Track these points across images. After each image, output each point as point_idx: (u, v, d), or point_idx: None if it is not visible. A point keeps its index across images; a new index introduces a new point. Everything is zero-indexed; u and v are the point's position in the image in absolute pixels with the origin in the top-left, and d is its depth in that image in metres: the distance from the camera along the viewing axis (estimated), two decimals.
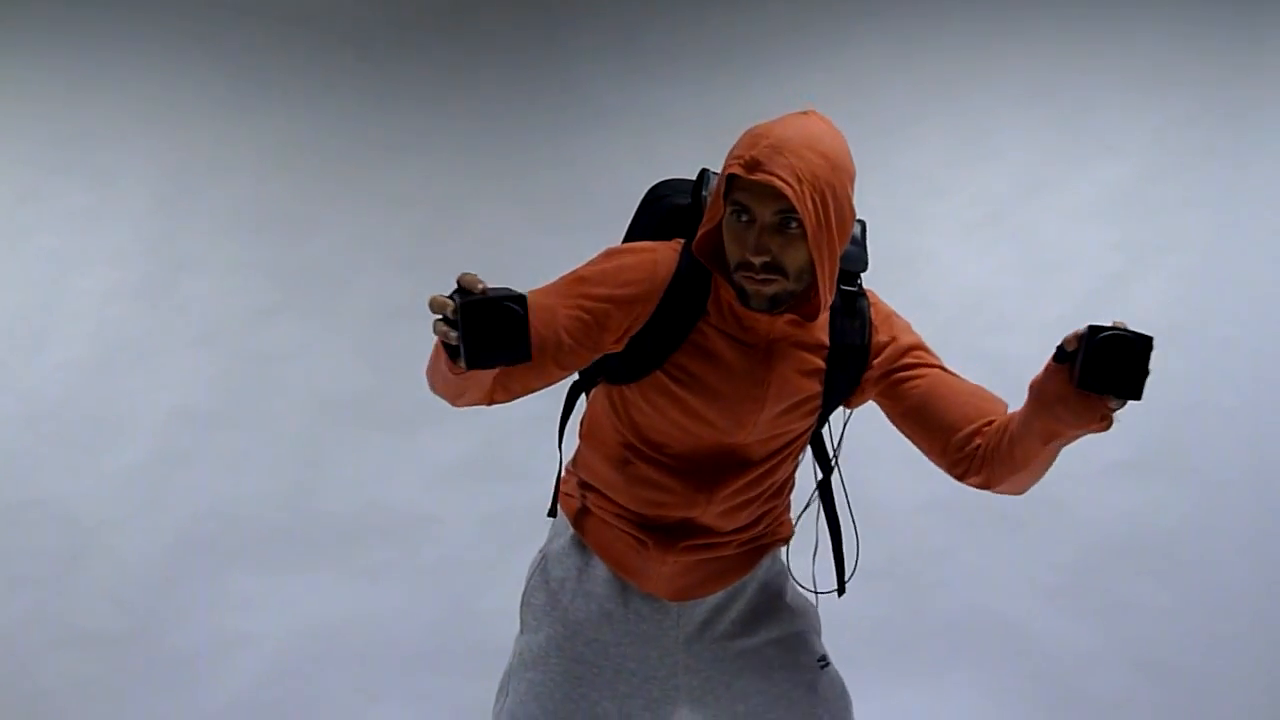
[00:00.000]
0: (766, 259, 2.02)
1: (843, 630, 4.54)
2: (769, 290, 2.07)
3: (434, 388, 2.09)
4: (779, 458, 2.33)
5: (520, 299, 1.71)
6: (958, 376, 2.31)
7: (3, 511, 4.47)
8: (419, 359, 4.81)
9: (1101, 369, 1.86)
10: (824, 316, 2.19)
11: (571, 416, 2.51)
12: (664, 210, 2.34)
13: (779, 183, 1.96)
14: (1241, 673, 4.22)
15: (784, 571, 2.55)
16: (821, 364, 2.24)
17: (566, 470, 2.49)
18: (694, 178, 2.36)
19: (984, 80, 4.84)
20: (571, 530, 2.42)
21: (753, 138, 2.03)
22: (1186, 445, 4.47)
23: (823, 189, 1.99)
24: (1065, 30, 4.77)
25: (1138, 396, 1.88)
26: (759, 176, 1.98)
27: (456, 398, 2.05)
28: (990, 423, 2.19)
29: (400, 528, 4.50)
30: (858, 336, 2.26)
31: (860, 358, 2.27)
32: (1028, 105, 4.79)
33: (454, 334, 1.70)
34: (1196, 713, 4.17)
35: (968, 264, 4.72)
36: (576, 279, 2.13)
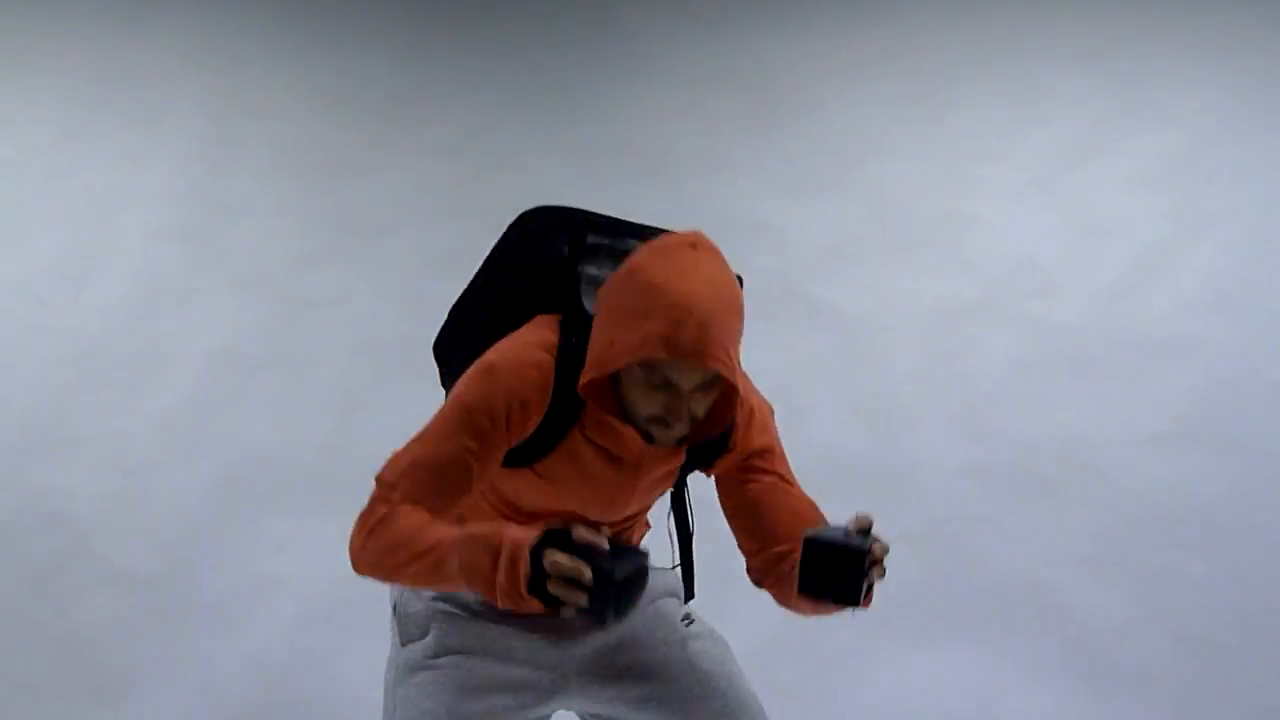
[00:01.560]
0: (687, 421, 2.02)
1: (879, 593, 4.54)
2: (678, 435, 2.05)
3: (376, 571, 2.08)
4: (641, 514, 2.40)
5: (641, 553, 1.75)
6: (792, 487, 2.31)
7: (43, 450, 4.49)
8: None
9: (818, 578, 1.89)
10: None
11: None
12: (540, 265, 2.22)
13: (719, 366, 1.93)
14: (1278, 647, 4.19)
15: None
16: (681, 459, 2.24)
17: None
18: (556, 208, 2.32)
19: (1035, 44, 4.79)
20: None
21: (672, 312, 1.92)
22: (1229, 417, 4.42)
23: (738, 343, 2.00)
24: None
25: (855, 604, 1.91)
26: (694, 363, 1.92)
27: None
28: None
29: None
30: (723, 436, 2.24)
31: (718, 449, 2.26)
32: (1080, 70, 4.74)
33: (583, 599, 1.70)
34: (1231, 685, 4.15)
35: (1015, 228, 4.68)
36: (464, 413, 2.07)
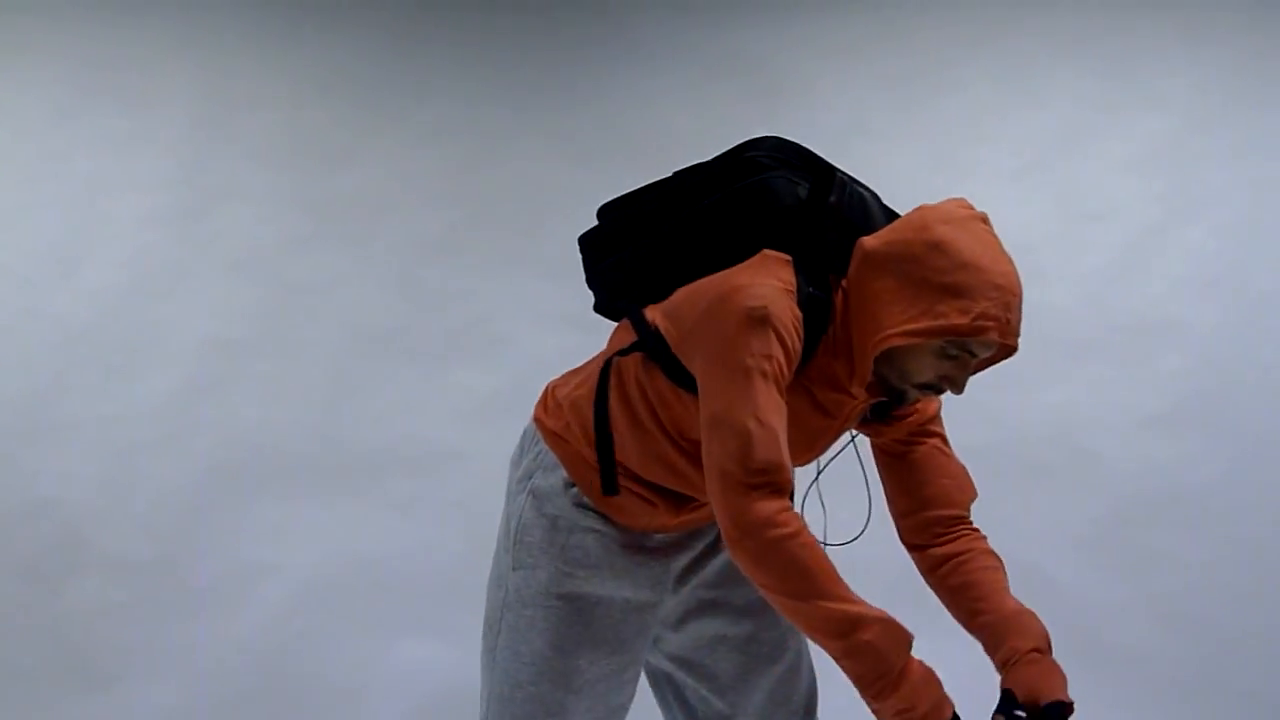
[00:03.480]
0: (948, 391, 2.08)
1: (869, 575, 4.55)
2: (913, 405, 2.15)
3: (765, 575, 1.92)
4: None
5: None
6: (950, 453, 2.36)
7: (33, 435, 4.48)
8: (452, 293, 4.83)
9: None
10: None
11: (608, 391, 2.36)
12: (779, 201, 2.14)
13: (1017, 345, 2.05)
14: (1268, 630, 4.20)
15: None
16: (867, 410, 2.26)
17: (551, 404, 2.39)
18: (785, 140, 2.26)
19: (1028, 27, 4.79)
20: (563, 471, 2.32)
21: (1002, 294, 1.97)
22: (1221, 400, 4.43)
23: None
24: None
25: None
26: (1013, 342, 2.03)
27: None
28: (957, 523, 2.32)
29: (429, 461, 4.50)
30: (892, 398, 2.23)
31: (888, 409, 2.28)
32: (1071, 53, 4.74)
33: None
34: (1222, 668, 4.16)
35: (1007, 211, 4.64)
36: (763, 374, 1.93)
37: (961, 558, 2.26)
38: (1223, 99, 4.65)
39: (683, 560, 2.37)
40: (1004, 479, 4.39)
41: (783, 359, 1.95)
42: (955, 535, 2.29)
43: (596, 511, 2.28)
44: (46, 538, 4.38)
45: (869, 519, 2.48)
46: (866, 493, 2.47)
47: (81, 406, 4.52)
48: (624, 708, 2.39)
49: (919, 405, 2.30)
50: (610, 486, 2.24)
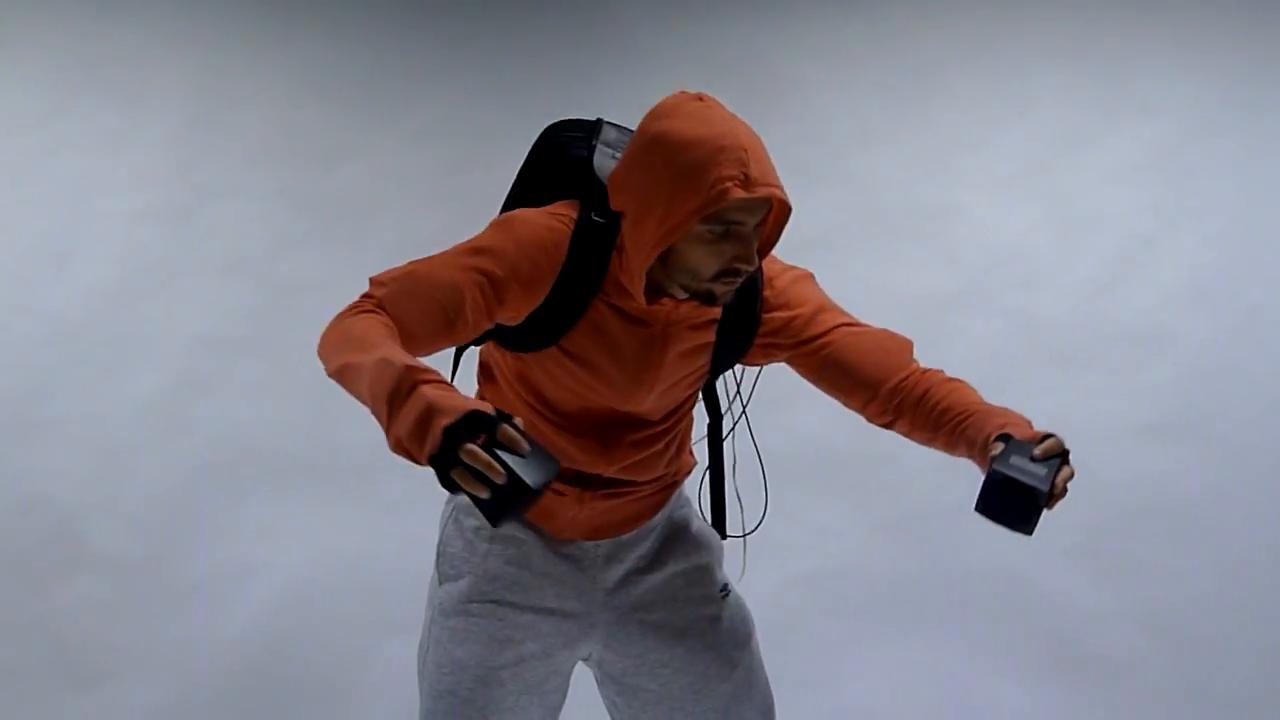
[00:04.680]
0: (749, 265, 2.02)
1: (855, 582, 4.57)
2: (731, 295, 2.09)
3: (324, 359, 1.97)
4: (674, 417, 2.36)
5: (555, 461, 1.61)
6: (860, 326, 2.32)
7: (23, 431, 4.48)
8: None
9: (997, 506, 1.94)
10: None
11: (460, 372, 2.50)
12: (565, 163, 2.24)
13: (780, 193, 1.97)
14: (1254, 640, 4.21)
15: (689, 503, 2.58)
16: (711, 339, 2.24)
17: None
18: (587, 120, 2.32)
19: (1021, 34, 4.80)
20: None
21: (730, 153, 1.94)
22: (1211, 411, 4.44)
23: None
24: None
25: (1028, 533, 1.97)
26: (763, 191, 1.94)
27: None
28: (907, 377, 2.27)
29: None
30: (749, 310, 2.25)
31: (749, 328, 2.27)
32: (1065, 61, 4.75)
33: (485, 494, 1.55)
34: (1206, 677, 4.17)
35: (999, 219, 4.69)
36: (474, 250, 2.04)
37: (925, 400, 2.23)
38: (1216, 109, 4.66)
39: (613, 574, 2.39)
40: None
41: (507, 252, 2.03)
42: (910, 388, 2.26)
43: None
44: (36, 534, 4.37)
45: (765, 508, 2.51)
46: (763, 482, 2.51)
47: (72, 403, 4.51)
48: (551, 716, 2.41)
49: (791, 308, 2.28)
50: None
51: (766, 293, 2.27)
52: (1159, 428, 4.43)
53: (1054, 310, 4.59)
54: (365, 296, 1.99)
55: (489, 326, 2.08)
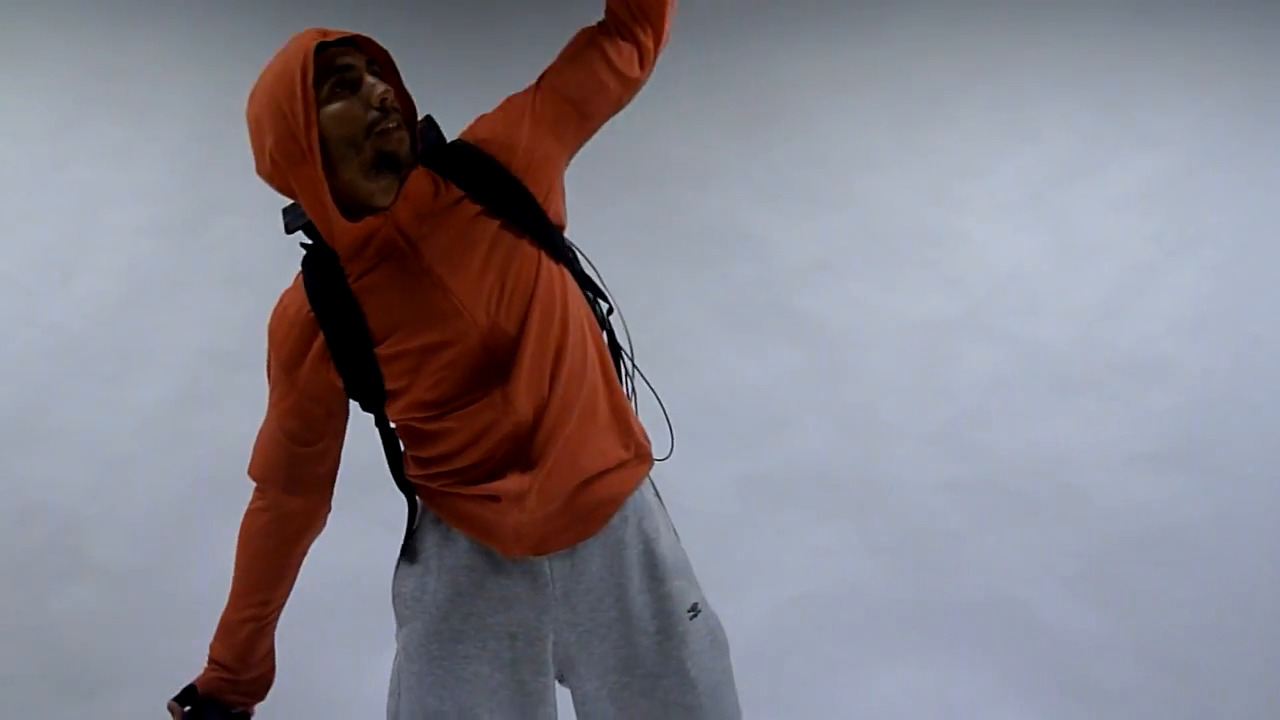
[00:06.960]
0: (387, 95, 2.05)
1: (853, 605, 4.57)
2: (405, 143, 2.10)
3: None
4: (552, 327, 2.16)
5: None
6: (556, 63, 2.43)
7: (25, 441, 4.48)
8: None
9: None
10: (432, 186, 2.17)
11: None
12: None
13: (351, 31, 2.06)
14: (1253, 670, 4.21)
15: (654, 514, 2.34)
16: (476, 206, 2.16)
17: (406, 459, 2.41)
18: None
19: (1025, 63, 4.82)
20: (428, 511, 2.35)
21: (286, 53, 2.05)
22: (1211, 440, 4.45)
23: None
24: (1109, 16, 4.75)
25: None
26: (335, 34, 2.04)
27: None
28: (603, 24, 2.37)
29: None
30: (479, 165, 2.22)
31: (497, 174, 2.22)
32: (1068, 90, 4.77)
33: None
34: (1204, 707, 4.16)
35: (1000, 246, 4.71)
36: (270, 392, 2.25)
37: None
38: (1219, 139, 4.68)
39: (559, 580, 2.23)
40: (992, 514, 4.42)
41: (271, 367, 2.28)
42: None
43: (461, 541, 2.26)
44: (37, 544, 4.38)
45: (672, 442, 2.41)
46: (664, 416, 2.43)
47: (75, 414, 4.52)
48: None
49: (507, 129, 2.33)
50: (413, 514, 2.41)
51: (482, 149, 2.26)
52: (1159, 456, 4.44)
53: (1055, 337, 4.60)
54: (256, 493, 2.44)
55: (343, 415, 2.27)
